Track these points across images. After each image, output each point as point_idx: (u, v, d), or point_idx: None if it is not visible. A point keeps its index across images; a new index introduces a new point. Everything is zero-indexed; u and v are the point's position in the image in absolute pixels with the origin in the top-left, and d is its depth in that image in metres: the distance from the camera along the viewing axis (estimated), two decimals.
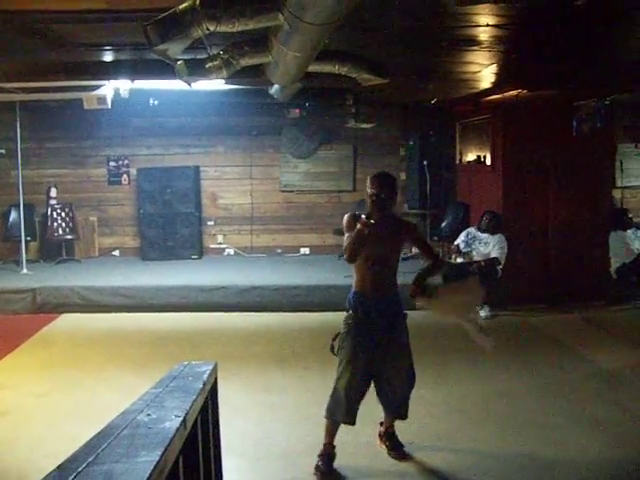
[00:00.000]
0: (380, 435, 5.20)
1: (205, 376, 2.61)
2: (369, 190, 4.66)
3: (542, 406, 6.07)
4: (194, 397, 2.18)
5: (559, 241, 9.92)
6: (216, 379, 3.02)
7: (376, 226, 4.48)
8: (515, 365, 7.26)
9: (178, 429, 1.74)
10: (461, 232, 9.91)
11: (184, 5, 4.17)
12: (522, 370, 7.08)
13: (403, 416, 4.99)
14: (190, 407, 2.03)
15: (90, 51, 7.26)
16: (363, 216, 4.50)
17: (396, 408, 4.96)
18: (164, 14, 4.26)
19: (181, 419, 1.84)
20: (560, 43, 6.72)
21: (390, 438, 5.13)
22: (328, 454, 4.80)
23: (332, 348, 4.82)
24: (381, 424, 5.19)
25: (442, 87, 9.95)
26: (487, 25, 5.91)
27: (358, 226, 4.47)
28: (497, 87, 9.61)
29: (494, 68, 8.16)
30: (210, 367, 2.80)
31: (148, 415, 1.89)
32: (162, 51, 4.46)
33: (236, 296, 9.77)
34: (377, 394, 4.90)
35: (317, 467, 4.74)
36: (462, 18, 5.68)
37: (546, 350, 7.92)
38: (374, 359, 4.73)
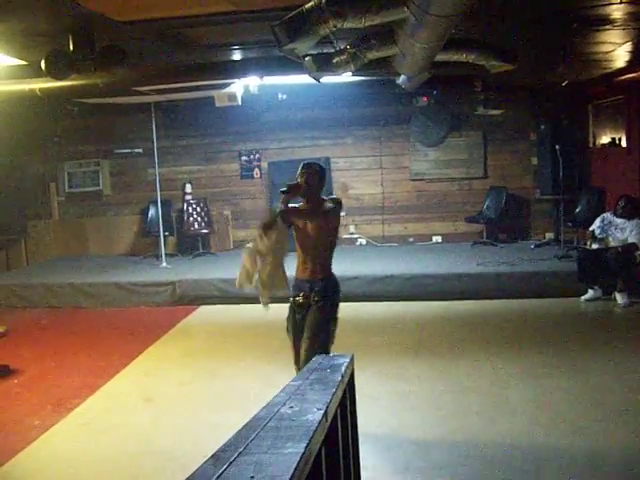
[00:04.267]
0: None
1: (343, 368, 2.68)
2: (307, 180, 5.08)
3: None
4: (334, 390, 2.25)
5: None
6: (353, 371, 3.08)
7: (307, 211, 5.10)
8: None
9: (320, 422, 1.81)
10: (596, 218, 9.62)
11: (310, 4, 4.24)
12: None
13: None
14: (330, 400, 2.10)
15: (219, 51, 7.50)
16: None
17: None
18: (291, 14, 4.35)
19: (322, 412, 1.91)
20: None
21: None
22: None
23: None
24: None
25: (573, 69, 9.69)
26: (620, 2, 5.72)
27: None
28: (632, 66, 9.27)
29: (629, 46, 7.88)
30: (347, 359, 2.86)
31: (291, 407, 1.96)
32: (290, 50, 4.55)
33: (369, 285, 9.84)
34: None
35: None
36: None
37: None
38: None
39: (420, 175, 12.76)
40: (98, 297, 10.42)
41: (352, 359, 3.02)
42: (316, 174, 5.11)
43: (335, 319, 5.28)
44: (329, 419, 2.00)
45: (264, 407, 2.02)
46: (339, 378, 2.44)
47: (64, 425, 5.78)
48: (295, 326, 5.25)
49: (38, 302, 10.53)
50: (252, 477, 1.37)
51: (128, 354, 7.78)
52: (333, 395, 2.17)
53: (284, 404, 2.00)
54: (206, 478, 1.34)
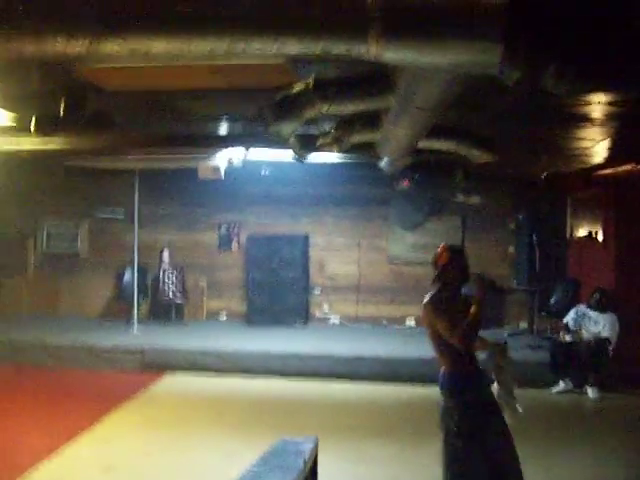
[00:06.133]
0: None
1: (306, 454, 2.64)
2: (456, 266, 4.58)
3: None
4: (294, 477, 2.22)
5: None
6: (316, 455, 3.04)
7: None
8: (624, 452, 6.93)
9: None
10: (570, 309, 9.65)
11: (298, 88, 4.33)
12: (634, 458, 6.74)
13: None
14: None
15: (207, 123, 7.59)
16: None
17: None
18: (279, 96, 4.43)
19: None
20: None
21: None
22: None
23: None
24: None
25: (553, 161, 9.87)
26: (599, 103, 5.88)
27: (473, 309, 4.33)
28: (610, 162, 9.46)
29: (607, 143, 8.05)
30: (311, 445, 2.83)
31: None
32: (276, 131, 4.62)
33: (339, 365, 9.77)
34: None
35: None
36: (573, 96, 5.66)
37: None
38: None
39: (397, 258, 12.81)
40: (64, 358, 10.23)
41: (316, 444, 2.98)
42: None
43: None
44: None
45: None
46: (301, 465, 2.41)
47: None
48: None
49: (1, 358, 10.30)
50: None
51: (89, 418, 7.59)
52: None
53: None
54: None
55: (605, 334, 9.04)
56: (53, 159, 9.84)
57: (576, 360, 9.05)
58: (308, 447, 2.72)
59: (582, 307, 9.50)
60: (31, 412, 7.85)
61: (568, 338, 9.31)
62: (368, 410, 8.46)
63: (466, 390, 4.50)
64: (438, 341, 4.49)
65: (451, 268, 4.54)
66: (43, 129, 6.21)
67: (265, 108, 4.42)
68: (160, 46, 2.59)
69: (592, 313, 9.30)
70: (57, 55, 2.60)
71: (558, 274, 11.67)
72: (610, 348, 9.00)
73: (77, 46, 2.55)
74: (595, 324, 9.21)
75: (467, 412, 4.43)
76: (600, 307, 9.24)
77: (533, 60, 2.70)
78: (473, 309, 4.31)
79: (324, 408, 8.45)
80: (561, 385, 9.18)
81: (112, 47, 2.55)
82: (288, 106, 4.32)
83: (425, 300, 4.52)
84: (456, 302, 4.43)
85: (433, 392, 8.87)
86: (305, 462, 2.49)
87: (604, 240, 10.28)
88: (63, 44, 2.54)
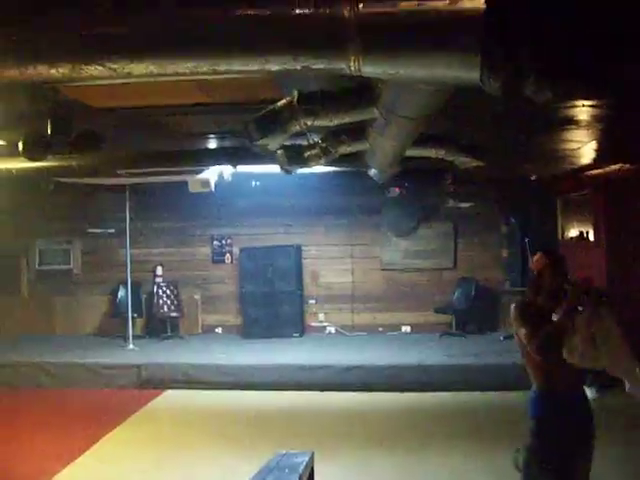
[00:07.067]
0: None
1: (301, 468, 2.66)
2: (551, 272, 4.19)
3: None
4: None
5: None
6: (312, 469, 3.05)
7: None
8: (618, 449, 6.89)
9: None
10: None
11: (282, 102, 4.35)
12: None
13: None
14: None
15: (195, 139, 7.62)
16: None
17: None
18: (263, 111, 4.45)
19: None
20: None
21: None
22: None
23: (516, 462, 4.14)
24: None
25: (540, 164, 9.90)
26: (583, 105, 5.90)
27: (556, 318, 3.92)
28: (598, 162, 9.49)
29: (594, 144, 8.08)
30: (306, 458, 2.84)
31: None
32: (262, 145, 4.64)
33: (337, 375, 9.77)
34: None
35: None
36: (555, 103, 5.68)
37: None
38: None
39: (391, 265, 12.83)
40: (61, 377, 10.22)
41: (312, 457, 2.99)
42: None
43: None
44: None
45: None
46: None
47: None
48: None
49: None
50: None
51: (88, 439, 7.58)
52: None
53: None
54: None
55: None
56: (43, 177, 9.85)
57: None
58: (303, 461, 2.73)
59: None
60: (29, 435, 7.82)
61: None
62: (368, 419, 8.47)
63: (545, 418, 4.09)
64: (523, 350, 4.16)
65: (546, 274, 4.20)
66: (31, 151, 6.20)
67: (249, 123, 4.43)
68: (141, 67, 2.63)
69: None
70: (40, 79, 2.66)
71: None
72: None
73: (59, 72, 2.59)
74: None
75: (541, 445, 4.04)
76: None
77: (512, 70, 2.72)
78: (556, 318, 3.92)
79: (324, 419, 8.45)
80: None
81: (94, 71, 2.59)
82: (273, 121, 4.34)
83: (513, 304, 4.24)
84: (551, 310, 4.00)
85: (432, 399, 8.97)
86: (300, 476, 2.50)
87: (595, 240, 10.32)
88: (45, 71, 2.58)
